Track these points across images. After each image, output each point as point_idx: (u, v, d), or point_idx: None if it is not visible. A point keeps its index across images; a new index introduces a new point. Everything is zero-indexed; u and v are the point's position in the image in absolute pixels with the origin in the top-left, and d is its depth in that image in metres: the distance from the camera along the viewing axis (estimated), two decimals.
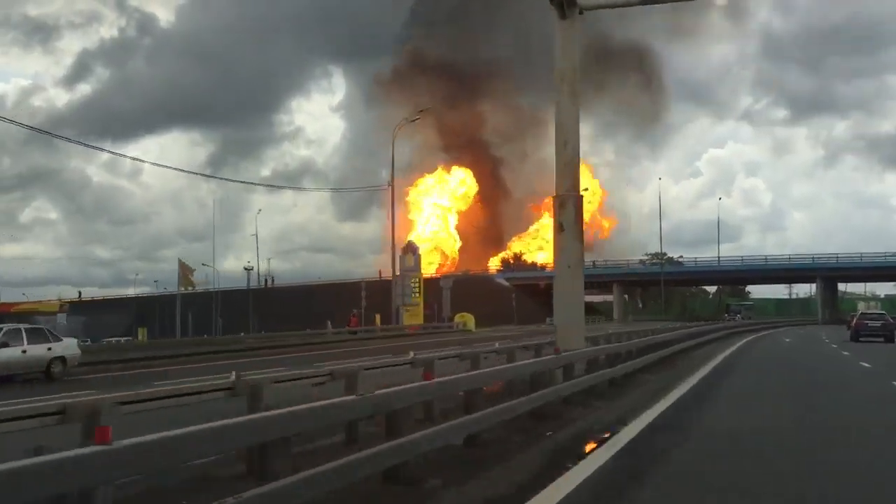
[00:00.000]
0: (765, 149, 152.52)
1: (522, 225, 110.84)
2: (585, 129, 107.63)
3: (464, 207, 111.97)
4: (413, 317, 61.65)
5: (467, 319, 53.80)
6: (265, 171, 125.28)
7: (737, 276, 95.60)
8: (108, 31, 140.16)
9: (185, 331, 63.42)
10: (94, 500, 3.98)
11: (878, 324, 39.66)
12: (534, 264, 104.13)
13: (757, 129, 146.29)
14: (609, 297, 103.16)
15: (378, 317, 51.62)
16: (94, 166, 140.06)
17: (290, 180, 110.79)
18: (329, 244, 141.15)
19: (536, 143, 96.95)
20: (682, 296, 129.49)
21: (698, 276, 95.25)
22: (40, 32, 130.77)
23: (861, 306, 73.31)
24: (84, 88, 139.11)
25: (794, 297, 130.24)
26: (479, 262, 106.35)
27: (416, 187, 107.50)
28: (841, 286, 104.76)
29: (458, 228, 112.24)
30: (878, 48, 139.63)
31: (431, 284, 68.40)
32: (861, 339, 37.63)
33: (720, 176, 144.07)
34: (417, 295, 62.12)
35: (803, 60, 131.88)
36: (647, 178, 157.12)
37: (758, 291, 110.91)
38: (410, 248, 62.89)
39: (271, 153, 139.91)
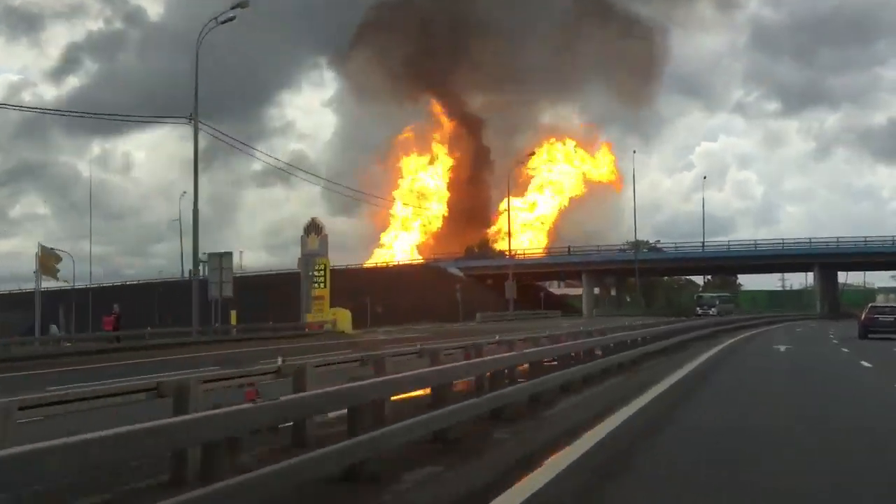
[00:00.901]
0: (757, 141, 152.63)
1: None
2: (577, 123, 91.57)
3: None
4: (322, 313, 49.58)
5: (340, 317, 40.80)
6: (256, 166, 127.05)
7: (723, 265, 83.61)
8: (94, 23, 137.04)
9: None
10: None
11: (891, 318, 34.76)
12: (502, 253, 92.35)
13: (749, 121, 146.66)
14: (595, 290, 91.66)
15: (234, 313, 39.19)
16: (84, 161, 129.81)
17: (280, 175, 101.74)
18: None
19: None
20: (668, 288, 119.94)
21: (679, 263, 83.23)
22: (25, 24, 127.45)
23: (880, 299, 61.60)
24: (72, 82, 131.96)
25: (789, 288, 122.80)
26: (464, 243, 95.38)
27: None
28: (840, 277, 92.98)
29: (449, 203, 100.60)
30: (870, 40, 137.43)
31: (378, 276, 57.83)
32: (870, 335, 33.51)
33: (713, 168, 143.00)
34: (322, 286, 49.94)
35: (794, 52, 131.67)
36: (640, 171, 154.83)
37: (749, 283, 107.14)
38: (314, 227, 50.58)
39: (262, 147, 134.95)
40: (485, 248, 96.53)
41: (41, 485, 4.45)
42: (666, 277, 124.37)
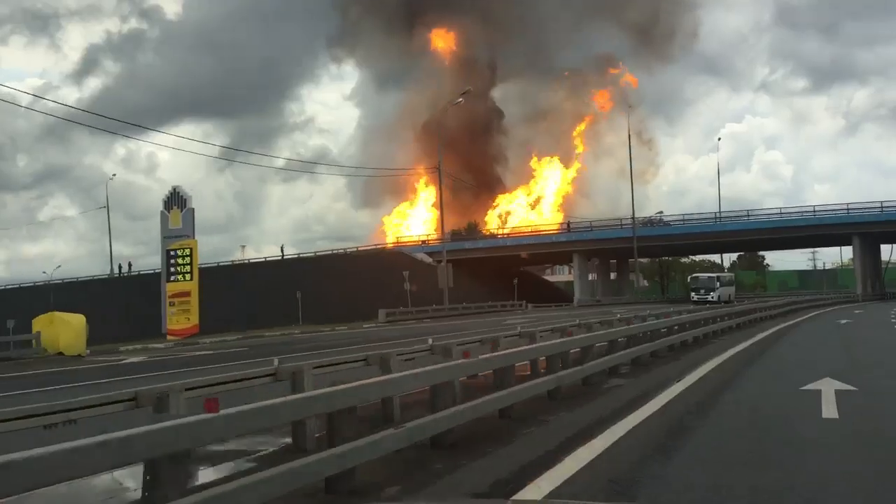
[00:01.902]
0: (784, 120, 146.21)
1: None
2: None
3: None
4: (186, 314, 36.88)
5: (61, 329, 24.86)
6: (279, 161, 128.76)
7: (743, 240, 69.15)
8: (114, 24, 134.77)
9: None
10: None
11: None
12: (492, 235, 78.87)
13: (776, 100, 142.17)
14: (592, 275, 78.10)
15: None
16: (110, 161, 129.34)
17: (304, 169, 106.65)
18: (347, 233, 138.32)
19: None
20: (689, 270, 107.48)
21: (687, 240, 68.93)
22: (44, 26, 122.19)
23: None
24: (94, 83, 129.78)
25: (821, 268, 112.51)
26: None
27: None
28: (883, 252, 78.36)
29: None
30: (894, 11, 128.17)
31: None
32: None
33: (739, 150, 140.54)
34: (187, 278, 37.02)
35: (820, 27, 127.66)
36: (666, 154, 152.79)
37: (778, 262, 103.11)
38: (176, 200, 37.63)
39: (284, 142, 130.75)
40: (474, 232, 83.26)
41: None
42: (686, 259, 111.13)
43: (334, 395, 5.80)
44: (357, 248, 76.15)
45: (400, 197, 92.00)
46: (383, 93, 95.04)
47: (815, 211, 67.78)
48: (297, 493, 5.15)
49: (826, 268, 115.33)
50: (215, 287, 60.72)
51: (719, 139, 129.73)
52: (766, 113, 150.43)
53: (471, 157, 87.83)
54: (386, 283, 60.79)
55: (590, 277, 73.54)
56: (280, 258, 71.69)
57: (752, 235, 67.39)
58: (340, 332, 35.16)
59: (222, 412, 4.66)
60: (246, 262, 74.88)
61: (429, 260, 72.57)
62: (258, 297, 56.56)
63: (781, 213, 68.51)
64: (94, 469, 4.24)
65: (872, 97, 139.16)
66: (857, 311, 40.76)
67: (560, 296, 78.08)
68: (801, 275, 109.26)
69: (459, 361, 8.25)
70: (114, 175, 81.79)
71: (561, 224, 78.37)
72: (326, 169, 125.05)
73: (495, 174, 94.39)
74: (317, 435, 7.01)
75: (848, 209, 67.04)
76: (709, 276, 62.80)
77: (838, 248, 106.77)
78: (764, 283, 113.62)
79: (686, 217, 70.38)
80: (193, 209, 37.47)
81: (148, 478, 4.82)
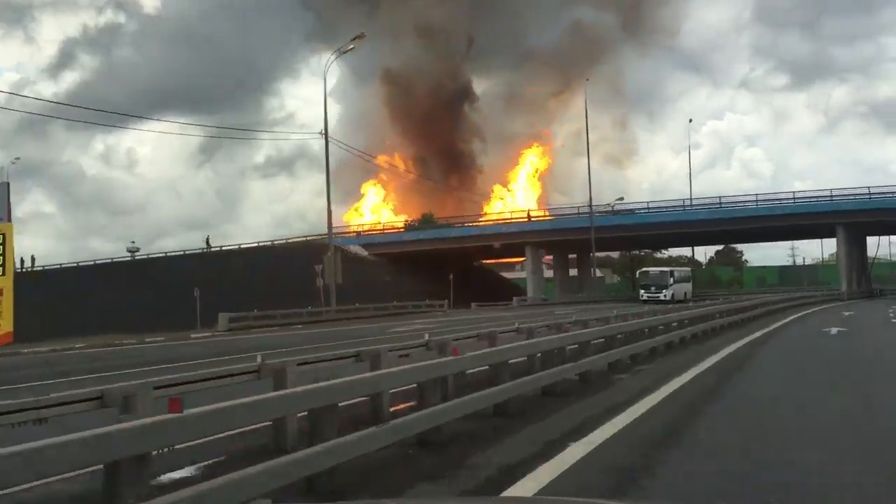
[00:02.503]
0: (764, 118, 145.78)
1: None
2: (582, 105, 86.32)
3: None
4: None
5: None
6: (258, 157, 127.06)
7: (715, 231, 61.44)
8: (90, 16, 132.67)
9: None
10: None
11: None
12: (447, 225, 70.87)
13: (756, 97, 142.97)
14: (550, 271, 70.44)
15: None
16: (88, 157, 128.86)
17: (284, 166, 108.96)
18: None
19: None
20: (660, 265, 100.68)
21: (652, 230, 61.09)
22: (19, 19, 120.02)
23: None
24: (71, 78, 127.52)
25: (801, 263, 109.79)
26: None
27: None
28: (869, 244, 71.00)
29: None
30: (875, 8, 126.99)
31: None
32: None
33: (720, 147, 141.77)
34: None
35: (799, 24, 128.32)
36: (647, 151, 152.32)
37: (757, 258, 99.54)
38: None
39: (262, 137, 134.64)
40: (429, 223, 75.24)
41: None
42: (661, 253, 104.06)
43: (316, 392, 5.76)
44: (287, 240, 67.90)
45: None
46: (363, 86, 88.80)
47: (794, 198, 60.36)
48: (279, 493, 4.75)
49: (807, 263, 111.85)
50: (115, 284, 53.08)
51: (690, 121, 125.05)
52: (747, 110, 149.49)
53: (440, 140, 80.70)
54: (304, 278, 53.09)
55: (546, 273, 65.66)
56: (182, 253, 63.53)
57: (724, 226, 59.75)
58: (129, 347, 25.82)
59: (193, 410, 4.54)
60: (162, 255, 66.62)
61: (364, 253, 64.67)
62: (156, 295, 48.82)
63: (758, 202, 60.95)
64: (65, 468, 4.09)
65: (852, 94, 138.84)
66: (846, 313, 33.23)
67: (519, 294, 70.38)
68: (781, 271, 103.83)
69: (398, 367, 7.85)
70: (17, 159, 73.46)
71: (514, 213, 70.38)
72: (306, 164, 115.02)
73: (468, 157, 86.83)
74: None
75: (832, 196, 59.70)
76: (660, 271, 55.61)
77: (820, 241, 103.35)
78: (741, 279, 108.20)
79: (651, 205, 62.62)
80: (8, 183, 29.27)
81: (118, 478, 4.44)
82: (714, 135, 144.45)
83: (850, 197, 59.28)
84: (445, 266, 63.18)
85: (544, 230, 62.80)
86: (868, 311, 36.11)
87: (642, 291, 51.17)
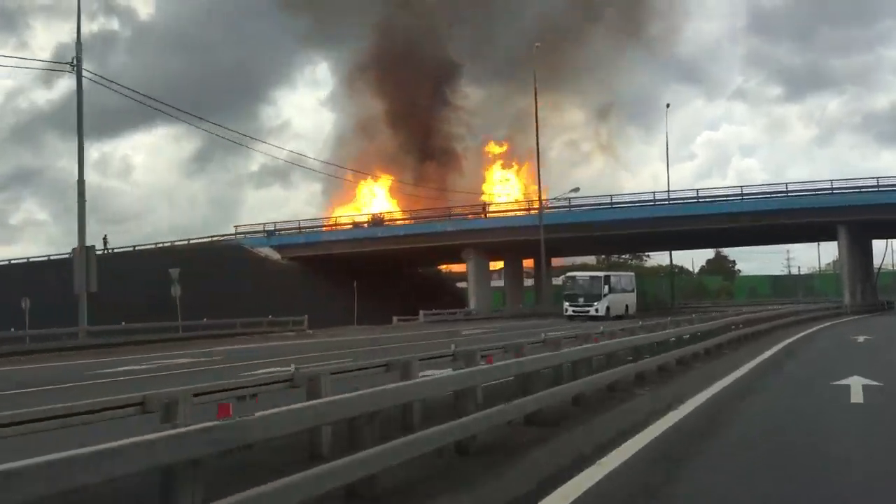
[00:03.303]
0: (759, 129, 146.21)
1: None
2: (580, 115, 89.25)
3: None
4: None
5: None
6: (253, 166, 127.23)
7: (689, 230, 51.09)
8: (85, 23, 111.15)
9: None
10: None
11: None
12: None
13: (751, 108, 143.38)
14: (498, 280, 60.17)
15: None
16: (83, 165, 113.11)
17: (278, 175, 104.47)
18: None
19: None
20: (647, 275, 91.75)
21: (615, 229, 50.57)
22: (10, 25, 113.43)
23: None
24: (64, 84, 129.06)
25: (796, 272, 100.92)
26: None
27: None
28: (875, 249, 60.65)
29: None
30: (870, 19, 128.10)
31: None
32: None
33: (716, 158, 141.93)
34: None
35: (794, 35, 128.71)
36: (642, 162, 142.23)
37: (752, 269, 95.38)
38: None
39: (259, 147, 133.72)
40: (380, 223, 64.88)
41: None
42: (643, 260, 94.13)
43: (354, 400, 5.76)
44: (188, 240, 57.47)
45: None
46: (357, 94, 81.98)
47: (787, 192, 50.12)
48: (318, 500, 4.88)
49: (802, 273, 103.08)
50: None
51: (668, 105, 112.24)
52: (743, 121, 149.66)
53: (418, 120, 70.93)
54: (220, 281, 43.64)
55: (498, 282, 55.26)
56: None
57: (700, 224, 49.45)
58: None
59: (245, 417, 4.62)
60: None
61: (276, 256, 54.30)
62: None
63: (743, 196, 50.70)
64: (113, 474, 3.84)
65: (846, 105, 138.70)
66: (860, 339, 22.73)
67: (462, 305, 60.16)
68: (774, 281, 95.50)
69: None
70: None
71: (465, 209, 59.76)
72: (301, 174, 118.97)
73: (451, 154, 76.86)
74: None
75: (832, 189, 49.55)
76: (591, 277, 43.49)
77: (817, 247, 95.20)
78: (731, 289, 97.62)
79: (616, 199, 52.19)
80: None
81: (164, 485, 4.52)
82: (709, 145, 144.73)
83: (855, 190, 49.19)
84: (382, 271, 53.16)
85: (486, 229, 52.53)
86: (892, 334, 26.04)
87: (567, 304, 40.72)
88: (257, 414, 4.70)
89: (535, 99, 49.47)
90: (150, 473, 4.16)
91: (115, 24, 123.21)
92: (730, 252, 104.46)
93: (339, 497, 5.26)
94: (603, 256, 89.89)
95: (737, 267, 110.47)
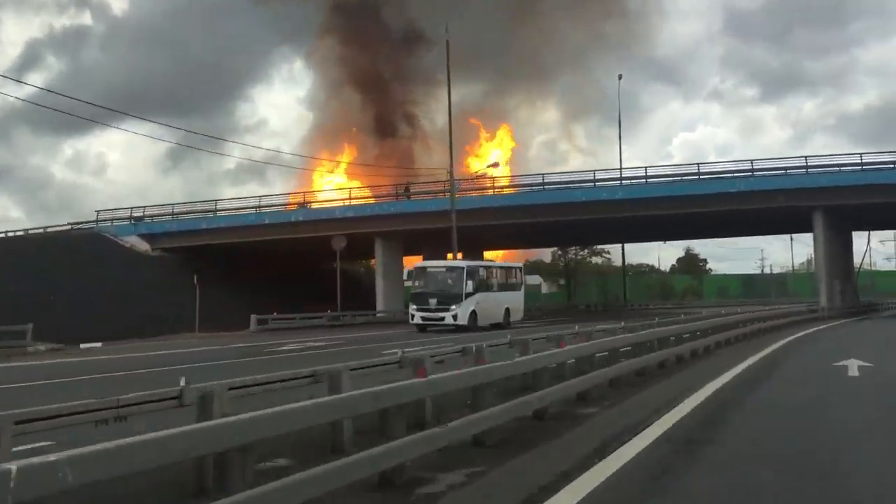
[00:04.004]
0: (734, 129, 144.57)
1: None
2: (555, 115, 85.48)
3: None
4: None
5: None
6: (229, 164, 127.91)
7: (633, 217, 42.12)
8: (56, 18, 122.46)
9: None
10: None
11: None
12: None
13: (727, 109, 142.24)
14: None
15: None
16: (57, 163, 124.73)
17: (255, 173, 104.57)
18: None
19: None
20: (599, 272, 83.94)
21: (543, 213, 41.49)
22: None
23: None
24: (35, 80, 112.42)
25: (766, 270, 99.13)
26: None
27: None
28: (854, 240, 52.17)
29: None
30: (845, 21, 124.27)
31: None
32: None
33: (692, 159, 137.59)
34: None
35: (769, 36, 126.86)
36: (624, 162, 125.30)
37: (722, 266, 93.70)
38: None
39: (234, 145, 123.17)
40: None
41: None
42: (597, 257, 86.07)
43: (383, 393, 5.92)
44: (45, 229, 47.93)
45: None
46: (337, 92, 76.63)
47: (753, 170, 41.50)
48: (347, 490, 5.15)
49: (775, 272, 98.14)
50: None
51: (620, 76, 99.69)
52: (718, 122, 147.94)
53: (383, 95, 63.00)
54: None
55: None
56: None
57: (646, 209, 40.73)
58: None
59: (274, 409, 4.78)
60: None
61: (144, 247, 45.05)
62: None
63: (700, 176, 42.05)
64: (148, 464, 3.92)
65: (821, 107, 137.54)
66: (853, 369, 13.85)
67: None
68: (745, 280, 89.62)
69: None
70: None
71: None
72: (278, 171, 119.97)
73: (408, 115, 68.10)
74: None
75: (807, 167, 41.03)
76: (447, 270, 31.67)
77: (790, 244, 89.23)
78: (699, 289, 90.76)
79: (548, 178, 43.22)
80: None
81: (201, 474, 5.07)
82: (686, 146, 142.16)
83: (834, 169, 40.73)
84: (289, 265, 44.39)
85: (392, 215, 43.55)
86: None
87: (414, 308, 30.38)
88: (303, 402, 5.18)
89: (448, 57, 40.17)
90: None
91: (87, 19, 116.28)
92: (702, 250, 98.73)
93: (373, 485, 5.59)
94: (558, 251, 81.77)
95: (708, 266, 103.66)
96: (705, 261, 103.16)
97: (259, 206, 45.45)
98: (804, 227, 43.70)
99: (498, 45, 70.80)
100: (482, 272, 32.04)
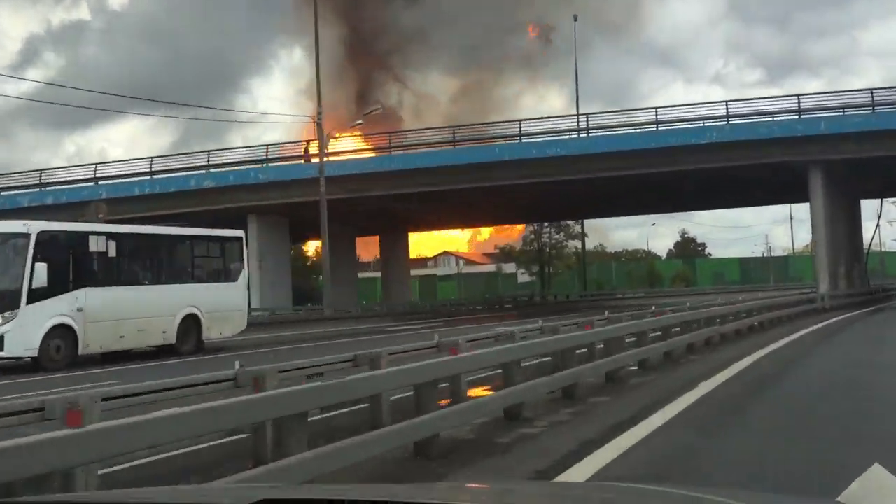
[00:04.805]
0: None
1: None
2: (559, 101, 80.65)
3: None
4: None
5: None
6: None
7: (565, 181, 31.87)
8: (53, 11, 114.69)
9: None
10: (75, 481, 4.19)
11: None
12: None
13: (729, 92, 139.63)
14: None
15: None
16: (59, 158, 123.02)
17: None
18: None
19: None
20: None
21: (437, 181, 31.09)
22: None
23: None
24: (33, 75, 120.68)
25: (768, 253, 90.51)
26: None
27: None
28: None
29: None
30: (847, 3, 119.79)
31: None
32: None
33: None
34: None
35: (771, 19, 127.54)
36: None
37: (724, 253, 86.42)
38: None
39: (235, 137, 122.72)
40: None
41: None
42: (573, 241, 76.40)
43: (421, 369, 6.70)
44: None
45: None
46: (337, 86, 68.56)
47: (728, 117, 31.25)
48: (387, 458, 5.87)
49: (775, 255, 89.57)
50: None
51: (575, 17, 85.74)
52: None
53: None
54: None
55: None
56: None
57: (588, 170, 30.63)
58: None
59: (329, 382, 5.97)
60: None
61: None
62: None
63: (658, 124, 31.76)
64: (257, 419, 5.21)
65: (823, 89, 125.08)
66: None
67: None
68: (743, 264, 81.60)
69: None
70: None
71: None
72: None
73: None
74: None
75: (800, 110, 30.87)
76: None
77: (790, 224, 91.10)
78: (690, 275, 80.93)
79: (459, 135, 32.96)
80: None
81: (284, 431, 5.36)
82: None
83: (837, 111, 30.62)
84: None
85: (259, 184, 33.44)
86: None
87: None
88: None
89: None
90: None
91: (85, 13, 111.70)
92: (702, 236, 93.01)
93: (409, 456, 6.16)
94: (531, 235, 72.42)
95: (707, 251, 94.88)
96: (703, 245, 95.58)
97: (97, 178, 35.44)
98: (801, 193, 33.53)
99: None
100: (96, 243, 16.67)
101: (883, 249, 75.70)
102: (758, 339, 16.42)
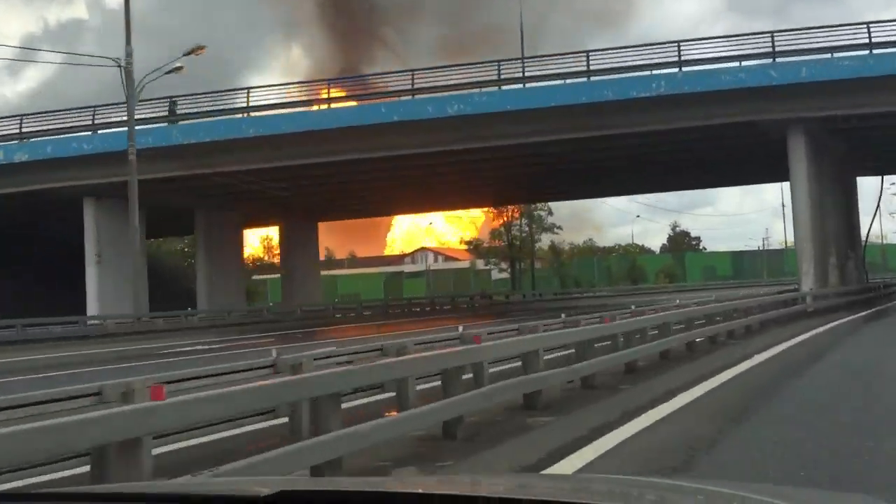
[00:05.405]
0: None
1: None
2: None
3: None
4: None
5: None
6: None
7: (497, 149, 24.72)
8: (49, 9, 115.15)
9: None
10: (141, 452, 4.24)
11: None
12: None
13: None
14: None
15: None
16: None
17: None
18: None
19: None
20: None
21: (317, 150, 23.88)
22: None
23: None
24: (31, 74, 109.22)
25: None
26: None
27: None
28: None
29: None
30: None
31: None
32: None
33: None
34: None
35: (770, 11, 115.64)
36: None
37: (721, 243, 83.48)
38: None
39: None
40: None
41: None
42: (552, 234, 69.46)
43: (447, 356, 7.05)
44: None
45: None
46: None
47: (681, 62, 23.83)
48: (414, 439, 6.21)
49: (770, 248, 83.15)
50: None
51: None
52: None
53: None
54: None
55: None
56: None
57: (505, 135, 23.34)
58: None
59: (361, 365, 6.59)
60: None
61: None
62: None
63: (590, 77, 24.30)
64: (251, 407, 5.51)
65: None
66: None
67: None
68: (735, 258, 77.35)
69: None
70: None
71: None
72: None
73: None
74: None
75: (774, 53, 23.51)
76: None
77: (783, 212, 77.98)
78: (678, 270, 76.59)
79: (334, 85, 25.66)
80: None
81: (320, 409, 5.54)
82: None
83: (824, 54, 23.28)
84: None
85: (85, 156, 26.11)
86: None
87: None
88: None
89: None
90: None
91: (82, 10, 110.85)
92: (693, 228, 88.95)
93: (438, 435, 6.40)
94: (500, 228, 65.96)
95: (702, 246, 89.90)
96: (698, 239, 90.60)
97: None
98: (785, 169, 25.99)
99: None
100: None
101: (885, 242, 69.78)
102: (711, 374, 9.16)
